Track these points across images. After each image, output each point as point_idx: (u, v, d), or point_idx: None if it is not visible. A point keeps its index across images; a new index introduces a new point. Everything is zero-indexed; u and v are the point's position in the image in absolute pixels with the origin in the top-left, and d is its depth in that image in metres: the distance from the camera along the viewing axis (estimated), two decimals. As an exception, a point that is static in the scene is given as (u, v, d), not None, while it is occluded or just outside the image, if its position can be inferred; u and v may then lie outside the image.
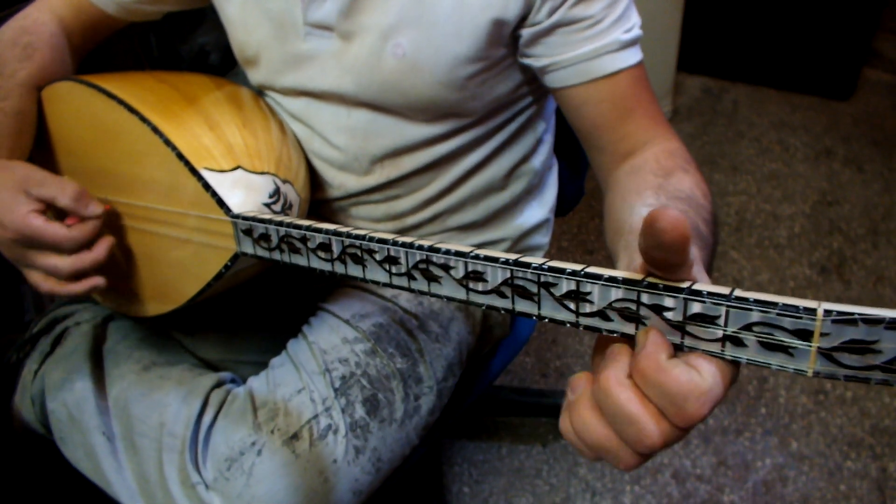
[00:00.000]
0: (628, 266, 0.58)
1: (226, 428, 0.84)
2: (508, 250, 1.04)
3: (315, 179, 0.97)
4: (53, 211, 0.81)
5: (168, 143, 0.78)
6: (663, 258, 0.40)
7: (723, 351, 0.41)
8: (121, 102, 0.82)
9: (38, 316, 1.08)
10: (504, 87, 0.86)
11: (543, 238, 1.10)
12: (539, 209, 1.05)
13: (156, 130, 0.79)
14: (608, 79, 0.78)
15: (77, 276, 0.82)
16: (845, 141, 2.59)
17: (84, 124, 0.88)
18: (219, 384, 0.90)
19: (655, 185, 0.70)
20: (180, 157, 0.78)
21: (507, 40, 0.80)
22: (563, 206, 1.25)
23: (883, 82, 2.87)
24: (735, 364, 0.42)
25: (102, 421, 0.90)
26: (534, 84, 0.88)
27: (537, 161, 1.00)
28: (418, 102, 0.83)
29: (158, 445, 0.85)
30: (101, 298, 1.01)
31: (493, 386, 1.57)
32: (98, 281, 0.83)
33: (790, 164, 2.50)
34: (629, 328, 0.44)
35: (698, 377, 0.40)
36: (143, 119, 0.80)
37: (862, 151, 2.53)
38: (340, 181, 0.94)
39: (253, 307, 1.04)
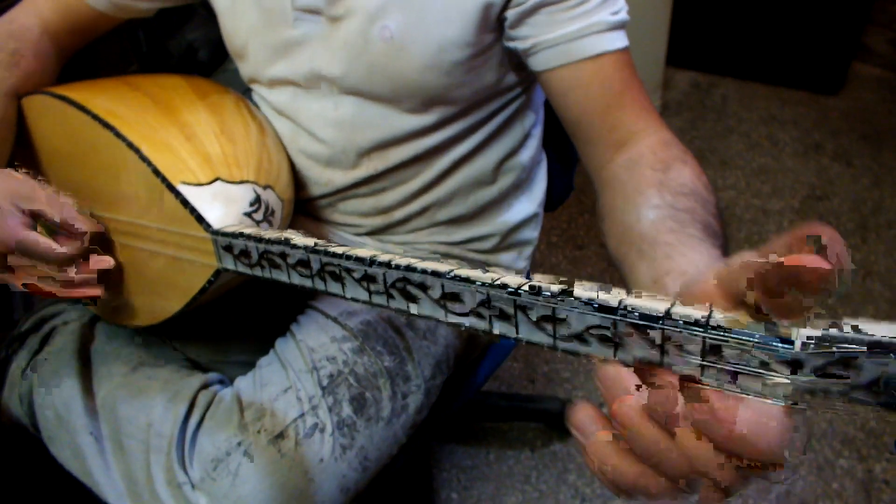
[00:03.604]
0: (654, 276, 0.58)
1: (212, 430, 0.84)
2: (497, 245, 1.04)
3: (300, 178, 0.97)
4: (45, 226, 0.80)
5: (144, 159, 0.77)
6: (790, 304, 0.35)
7: (702, 377, 0.40)
8: (95, 118, 0.81)
9: (26, 314, 1.08)
10: (491, 76, 0.86)
11: (532, 232, 1.10)
12: (528, 204, 1.05)
13: (131, 146, 0.78)
14: (594, 60, 0.77)
15: (71, 284, 0.81)
16: (834, 136, 2.59)
17: (62, 138, 0.88)
18: (205, 385, 0.90)
19: (656, 181, 0.69)
20: (156, 173, 0.77)
21: (494, 24, 0.80)
22: (553, 201, 1.25)
23: (872, 77, 2.87)
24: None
25: (90, 421, 0.90)
26: (521, 73, 0.88)
27: (526, 155, 1.00)
28: (405, 88, 0.83)
29: (146, 446, 0.85)
30: (91, 307, 1.01)
31: (481, 392, 1.57)
32: (96, 291, 0.82)
33: (779, 158, 2.50)
34: (608, 352, 0.43)
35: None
36: (118, 135, 0.79)
37: (851, 146, 2.54)
38: (328, 177, 0.94)
39: (242, 307, 1.04)
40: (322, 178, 0.95)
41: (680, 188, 0.67)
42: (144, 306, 0.89)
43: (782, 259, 0.32)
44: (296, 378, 0.87)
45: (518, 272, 1.11)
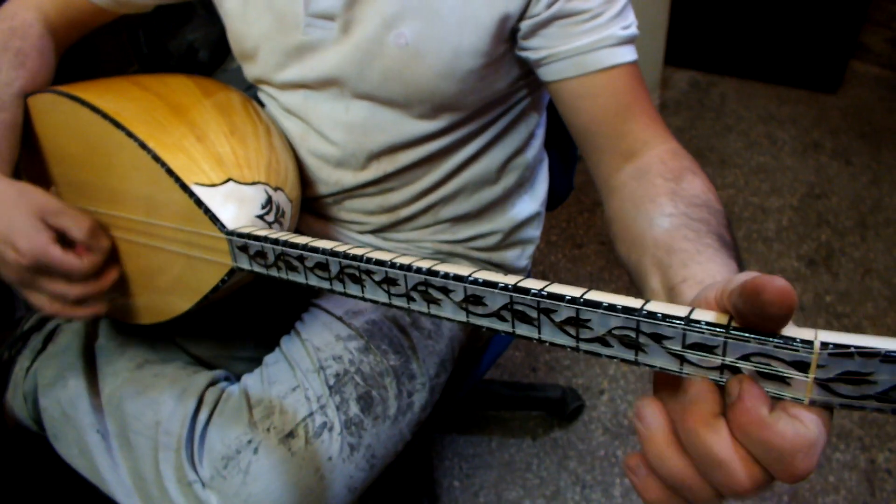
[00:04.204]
0: (669, 283, 0.58)
1: (221, 426, 0.84)
2: (500, 242, 1.05)
3: (308, 177, 0.97)
4: (61, 238, 0.80)
5: (157, 159, 0.77)
6: (762, 324, 0.38)
7: (721, 378, 0.41)
8: (106, 117, 0.80)
9: (29, 313, 1.08)
10: (503, 83, 0.86)
11: (535, 231, 1.10)
12: (531, 202, 1.06)
13: (143, 146, 0.78)
14: (605, 73, 0.78)
15: (82, 301, 0.82)
16: (833, 134, 2.60)
17: (72, 137, 0.88)
18: (213, 382, 0.90)
19: (668, 190, 0.70)
20: (170, 173, 0.77)
21: (508, 35, 0.80)
22: (553, 201, 1.26)
23: (870, 75, 2.88)
24: (829, 409, 0.39)
25: (96, 418, 0.90)
26: (530, 78, 0.89)
27: (530, 154, 1.00)
28: (418, 94, 0.83)
29: (154, 444, 0.85)
30: None
31: (484, 380, 1.57)
32: (101, 308, 0.83)
33: (778, 157, 2.51)
34: (629, 354, 0.44)
35: (804, 429, 0.37)
36: (130, 135, 0.79)
37: (850, 144, 2.54)
38: (336, 178, 0.95)
39: (246, 304, 1.04)
40: (331, 179, 0.95)
41: (693, 199, 0.68)
42: (153, 304, 0.90)
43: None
44: (303, 377, 0.88)
45: (520, 271, 1.11)
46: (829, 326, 1.88)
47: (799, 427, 0.37)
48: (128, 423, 0.88)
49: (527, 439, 1.71)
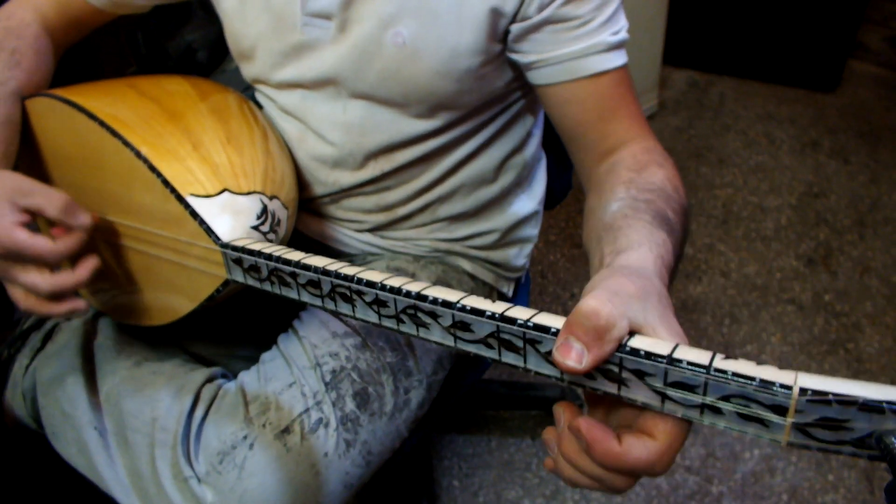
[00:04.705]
0: (601, 257, 0.61)
1: (217, 422, 0.84)
2: (498, 241, 1.05)
3: (306, 178, 0.97)
4: (44, 222, 0.78)
5: (153, 169, 0.77)
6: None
7: (701, 418, 0.42)
8: (102, 124, 0.80)
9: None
10: (499, 82, 0.87)
11: (532, 230, 1.10)
12: (528, 201, 1.06)
13: (139, 156, 0.78)
14: (593, 79, 0.79)
15: (58, 296, 0.79)
16: (831, 133, 2.60)
17: (69, 142, 0.87)
18: (210, 379, 0.91)
19: (627, 179, 0.72)
20: (166, 183, 0.76)
21: (501, 35, 0.81)
22: (551, 200, 1.26)
23: (869, 74, 2.88)
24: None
25: (94, 416, 0.90)
26: (525, 80, 0.89)
27: (527, 153, 1.01)
28: (415, 93, 0.83)
29: (151, 440, 0.85)
30: (95, 303, 1.01)
31: (483, 379, 1.57)
32: (79, 305, 0.80)
33: (776, 156, 2.51)
34: (612, 388, 0.45)
35: (652, 445, 0.45)
36: (126, 143, 0.78)
37: (848, 143, 2.55)
38: (334, 178, 0.95)
39: (245, 303, 1.05)
40: (329, 179, 0.95)
41: (647, 185, 0.70)
42: (151, 309, 0.90)
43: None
44: (300, 374, 0.88)
45: (518, 269, 1.11)
46: (827, 325, 1.88)
47: (648, 444, 0.45)
48: (125, 421, 0.88)
49: (526, 439, 1.71)
